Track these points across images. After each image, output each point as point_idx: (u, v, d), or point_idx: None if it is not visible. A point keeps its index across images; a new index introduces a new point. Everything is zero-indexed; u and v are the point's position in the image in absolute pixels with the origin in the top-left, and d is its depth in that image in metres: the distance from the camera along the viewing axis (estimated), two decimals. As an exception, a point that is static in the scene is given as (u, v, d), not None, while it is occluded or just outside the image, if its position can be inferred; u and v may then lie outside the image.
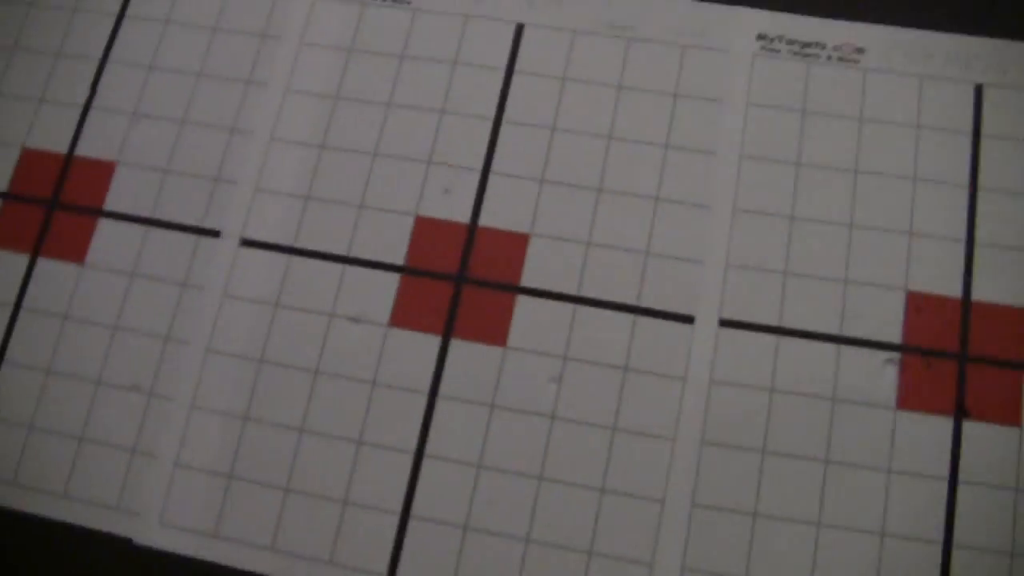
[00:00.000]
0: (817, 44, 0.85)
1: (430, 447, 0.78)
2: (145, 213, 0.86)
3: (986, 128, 0.82)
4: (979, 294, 0.79)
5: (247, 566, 0.77)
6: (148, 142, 0.88)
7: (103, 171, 0.88)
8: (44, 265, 0.87)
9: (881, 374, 0.77)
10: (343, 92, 0.87)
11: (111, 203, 0.87)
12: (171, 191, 0.86)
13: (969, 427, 0.76)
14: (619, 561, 0.76)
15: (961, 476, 0.76)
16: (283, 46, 0.89)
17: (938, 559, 0.75)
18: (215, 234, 0.84)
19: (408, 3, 0.89)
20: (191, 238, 0.84)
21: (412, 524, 0.77)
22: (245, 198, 0.84)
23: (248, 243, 0.83)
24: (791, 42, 0.85)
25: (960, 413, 0.76)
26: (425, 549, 0.77)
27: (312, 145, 0.85)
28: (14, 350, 0.85)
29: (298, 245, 0.83)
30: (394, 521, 0.77)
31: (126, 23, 0.92)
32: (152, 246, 0.85)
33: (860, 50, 0.84)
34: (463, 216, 0.82)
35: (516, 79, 0.86)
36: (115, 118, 0.89)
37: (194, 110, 0.88)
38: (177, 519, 0.79)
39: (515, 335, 0.79)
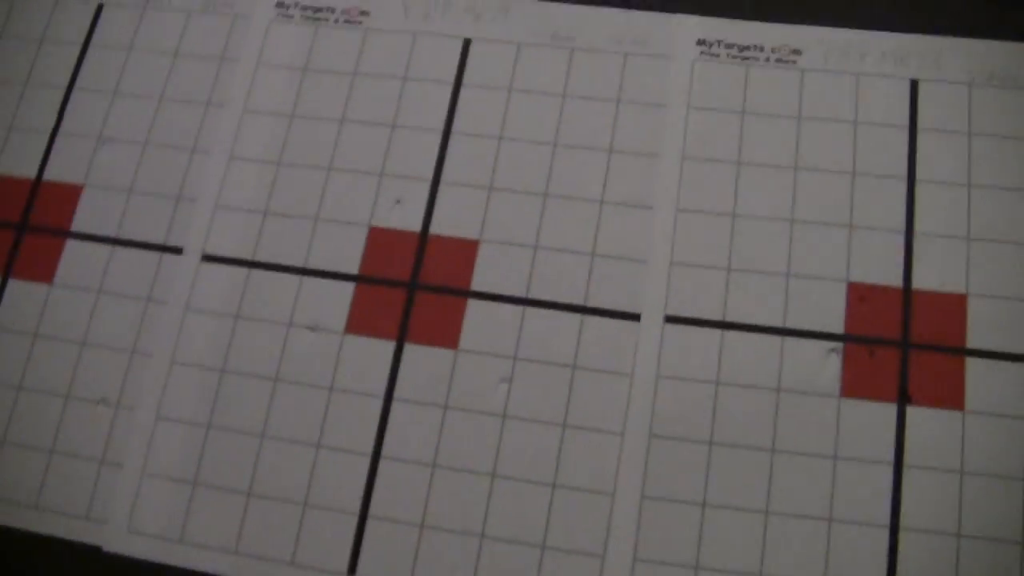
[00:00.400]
0: (755, 47, 0.87)
1: (386, 449, 0.80)
2: (111, 233, 0.88)
3: (922, 122, 0.84)
4: (919, 282, 0.80)
5: (212, 569, 0.79)
6: (113, 164, 0.90)
7: (70, 193, 0.91)
8: (14, 286, 0.90)
9: (825, 364, 0.79)
10: (298, 110, 0.89)
11: (78, 224, 0.90)
12: (135, 211, 0.89)
13: (913, 413, 0.78)
14: (571, 554, 0.77)
15: (906, 461, 0.77)
16: (240, 68, 0.92)
17: (886, 543, 0.76)
18: (178, 251, 0.86)
19: (360, 23, 0.92)
20: (155, 255, 0.87)
21: (370, 524, 0.79)
22: (206, 215, 0.87)
23: (209, 258, 0.86)
24: (730, 46, 0.87)
25: (903, 399, 0.78)
26: (383, 548, 0.79)
27: (269, 162, 0.88)
28: (-14, 369, 0.85)
29: (257, 258, 0.85)
30: (353, 521, 0.79)
31: (91, 51, 0.95)
32: (117, 264, 0.87)
33: (797, 51, 0.86)
34: (415, 225, 0.85)
35: (464, 92, 0.88)
36: (81, 142, 0.92)
37: (156, 132, 0.91)
38: (144, 526, 0.81)
39: (467, 338, 0.82)
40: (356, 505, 0.78)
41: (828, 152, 0.83)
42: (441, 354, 0.81)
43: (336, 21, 0.91)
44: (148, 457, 0.82)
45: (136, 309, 0.86)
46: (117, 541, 0.81)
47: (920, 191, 0.82)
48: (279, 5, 0.93)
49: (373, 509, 0.78)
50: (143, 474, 0.81)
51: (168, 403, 0.82)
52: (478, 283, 0.82)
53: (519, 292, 0.82)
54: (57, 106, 0.93)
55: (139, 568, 0.80)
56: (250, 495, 0.80)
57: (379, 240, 0.84)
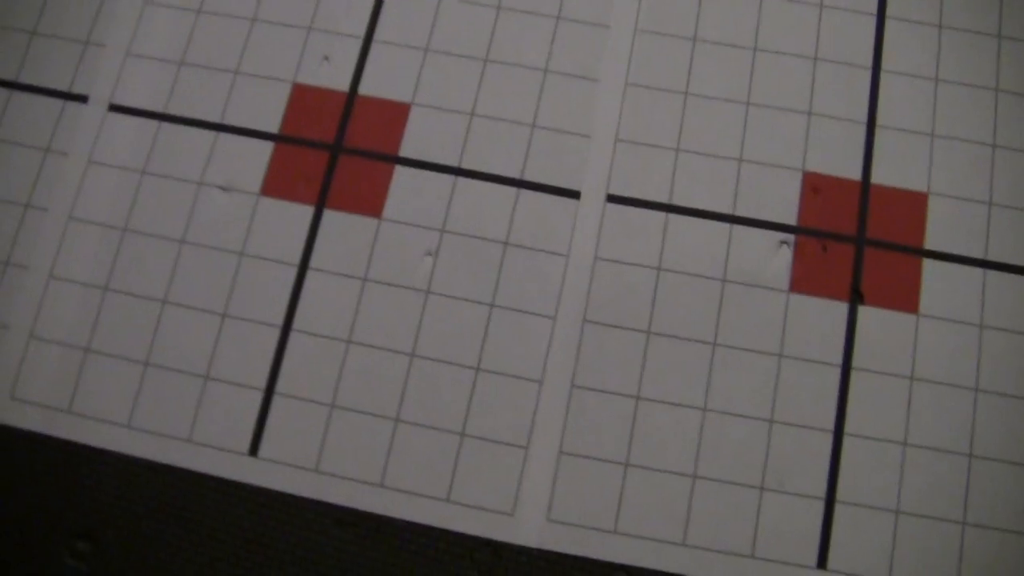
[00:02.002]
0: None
1: (298, 321, 0.74)
2: (9, 76, 0.80)
3: (891, 10, 0.79)
4: (879, 177, 0.76)
5: (101, 444, 0.73)
6: (15, 2, 0.81)
7: (-33, 33, 0.81)
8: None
9: (775, 256, 0.74)
10: (223, -44, 0.81)
11: (-27, 67, 0.80)
12: (37, 54, 0.81)
13: (864, 313, 0.73)
14: (493, 443, 0.72)
15: (855, 363, 0.73)
16: (162, -92, 0.83)
17: (829, 447, 0.72)
18: (83, 99, 0.79)
19: None
20: (57, 103, 0.80)
21: (276, 401, 0.72)
22: (115, 62, 0.80)
23: (117, 108, 0.79)
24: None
25: (856, 298, 0.73)
26: (289, 427, 0.73)
27: (187, 9, 0.81)
28: None
29: (169, 111, 0.79)
30: (257, 398, 0.73)
31: None
32: (15, 111, 0.80)
33: (764, -75, 0.80)
34: (342, 84, 0.78)
35: (404, -55, 0.80)
36: (-19, -21, 0.82)
37: (65, -29, 0.81)
38: (29, 394, 0.75)
39: (391, 207, 0.75)
40: (262, 380, 0.72)
41: (790, 34, 0.78)
42: (363, 222, 0.75)
43: None
44: (37, 319, 0.75)
45: (33, 160, 0.79)
46: (-2, 407, 0.72)
47: (885, 82, 0.77)
48: None
49: (280, 385, 0.72)
50: (30, 337, 0.74)
51: (63, 262, 0.75)
52: (407, 149, 0.76)
53: (451, 161, 0.75)
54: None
55: (22, 438, 0.72)
56: (147, 365, 0.73)
57: (303, 98, 0.77)
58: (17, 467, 0.71)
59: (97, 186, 0.77)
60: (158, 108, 0.78)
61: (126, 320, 0.74)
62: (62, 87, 0.79)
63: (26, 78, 0.80)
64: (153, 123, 0.78)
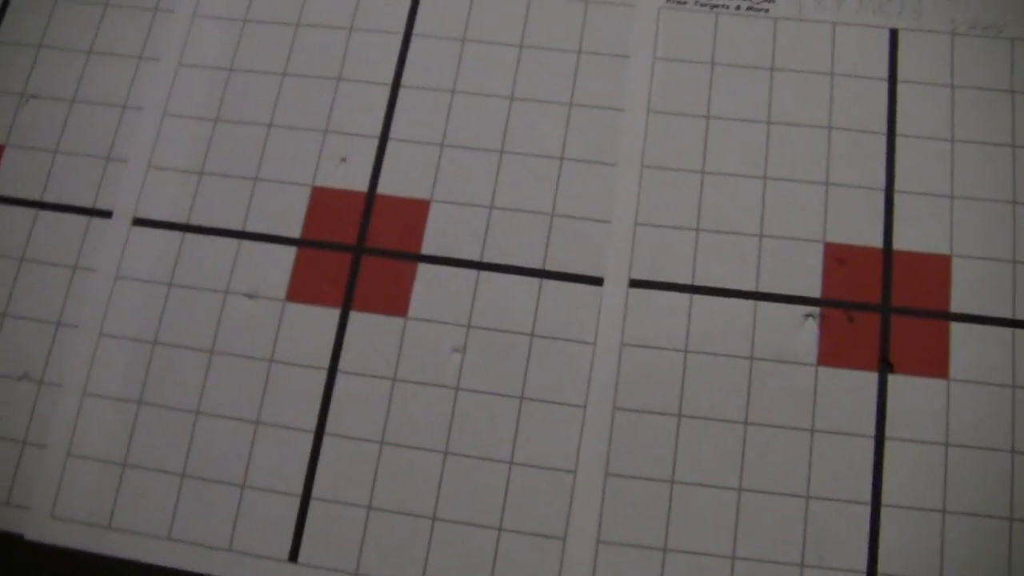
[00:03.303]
0: (725, -6, 0.81)
1: (331, 425, 0.74)
2: (35, 196, 0.81)
3: (902, 73, 0.79)
4: (900, 243, 0.75)
5: (143, 557, 0.74)
6: (37, 122, 0.84)
7: (-9, 155, 0.83)
8: (-71, 254, 0.81)
9: (801, 330, 0.74)
10: (236, 64, 0.83)
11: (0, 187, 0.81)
12: (61, 172, 0.82)
13: (895, 381, 0.73)
14: (530, 536, 0.72)
15: (888, 433, 0.73)
16: (175, 19, 0.86)
17: (867, 520, 0.72)
18: (107, 215, 0.80)
19: (303, -29, 0.85)
20: (82, 219, 0.81)
21: (314, 506, 0.73)
22: (137, 176, 0.81)
23: (141, 222, 0.80)
24: (698, -7, 0.81)
25: (885, 367, 0.73)
26: (328, 532, 0.73)
27: (205, 119, 0.82)
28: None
29: (192, 222, 0.80)
30: (295, 504, 0.73)
31: (13, 0, 0.87)
32: (42, 229, 0.81)
33: (769, -1, 0.80)
34: (361, 185, 0.79)
35: (414, 43, 0.83)
36: (3, 99, 0.85)
37: (84, 88, 0.84)
38: (70, 512, 0.75)
39: (416, 305, 0.76)
40: (298, 486, 0.73)
41: (803, 106, 0.78)
42: (389, 322, 0.75)
43: (278, -30, 0.84)
44: (74, 437, 0.75)
45: (62, 277, 0.79)
46: (40, 528, 0.75)
47: (901, 146, 0.77)
48: (216, -47, 0.86)
49: (317, 490, 0.73)
50: (68, 455, 0.75)
51: (96, 379, 0.76)
52: (429, 246, 0.76)
53: (473, 256, 0.76)
54: (-24, 61, 0.84)
55: (64, 557, 0.73)
56: (184, 477, 0.74)
57: (323, 201, 0.78)
58: (62, 584, 0.72)
59: (125, 300, 0.78)
60: (181, 219, 0.79)
61: (161, 433, 0.75)
62: (86, 203, 0.81)
63: (51, 196, 0.81)
64: (177, 234, 0.79)
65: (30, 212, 0.80)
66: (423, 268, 0.76)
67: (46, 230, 0.80)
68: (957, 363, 0.73)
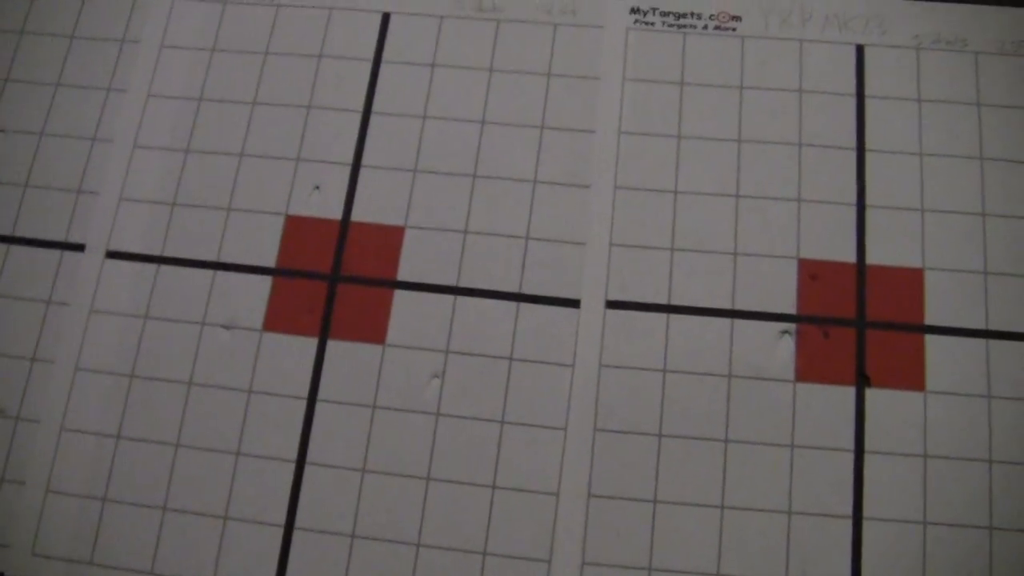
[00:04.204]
0: (692, 14, 0.82)
1: (312, 454, 0.74)
2: (5, 231, 0.81)
3: (870, 89, 0.79)
4: (874, 257, 0.76)
5: (125, 592, 0.71)
6: (6, 156, 0.83)
7: (-40, 191, 0.82)
8: (-100, 292, 0.80)
9: (777, 347, 0.74)
10: (206, 93, 0.83)
11: (-31, 223, 0.81)
12: (32, 206, 0.82)
13: (872, 395, 0.74)
14: (515, 560, 0.72)
15: (867, 446, 0.73)
16: (143, 50, 0.86)
17: (849, 534, 0.72)
18: (79, 248, 0.79)
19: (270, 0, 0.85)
20: (55, 253, 0.80)
21: (297, 536, 0.73)
22: (109, 209, 0.80)
23: (114, 255, 0.79)
24: (665, 14, 0.82)
25: (862, 381, 0.73)
26: (312, 561, 0.73)
27: (176, 150, 0.81)
28: None
29: (166, 253, 0.79)
30: (278, 534, 0.73)
31: (-22, 37, 0.87)
32: (14, 264, 0.80)
33: (736, 18, 0.82)
34: (335, 212, 0.79)
35: (384, 69, 0.82)
36: (-30, 135, 0.83)
37: (53, 121, 0.83)
38: (51, 548, 0.75)
39: (394, 332, 0.76)
40: (281, 516, 0.72)
41: (773, 123, 0.78)
42: (367, 350, 0.75)
43: (245, -2, 0.84)
44: (52, 473, 0.75)
45: (36, 312, 0.79)
46: (21, 566, 0.75)
47: (871, 161, 0.77)
48: (181, -18, 0.85)
49: (300, 520, 0.72)
50: (48, 491, 0.74)
51: (73, 413, 0.76)
52: (405, 272, 0.76)
53: (449, 281, 0.76)
54: (-58, 96, 0.83)
55: (46, 594, 0.71)
56: (165, 510, 0.73)
57: (297, 230, 0.78)
58: (44, 622, 0.71)
59: (101, 334, 0.77)
60: (155, 251, 0.79)
61: (141, 466, 0.75)
62: (58, 237, 0.80)
63: (22, 231, 0.80)
64: (151, 267, 0.79)
65: (1, 247, 0.79)
66: (399, 295, 0.76)
67: (18, 265, 0.80)
68: (933, 375, 0.73)
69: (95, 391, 0.76)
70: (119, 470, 0.74)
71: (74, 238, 0.80)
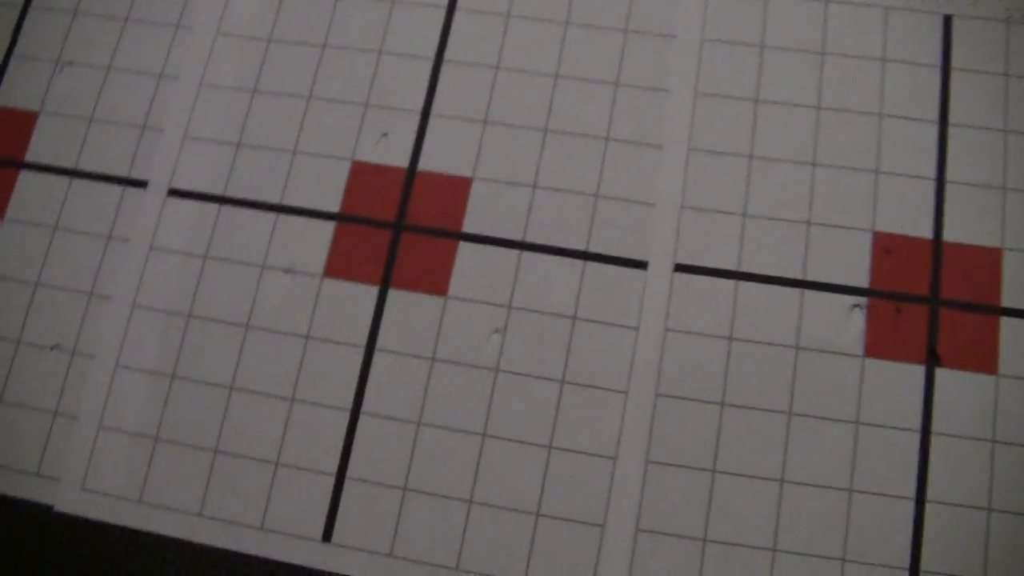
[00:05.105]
0: (777, -25, 0.79)
1: (367, 404, 0.73)
2: (68, 164, 0.80)
3: (956, 61, 0.77)
4: (951, 235, 0.74)
5: (173, 533, 0.73)
6: (71, 91, 0.83)
7: (24, 121, 0.84)
8: (-39, 220, 0.80)
9: (847, 320, 0.72)
10: (276, 35, 0.82)
11: (32, 154, 0.83)
12: (96, 141, 0.81)
13: (942, 375, 0.72)
14: (569, 523, 0.71)
15: (934, 427, 0.71)
16: (214, -13, 0.82)
17: (911, 516, 0.71)
18: (142, 184, 0.78)
19: (346, -60, 0.83)
20: (116, 189, 0.79)
21: (348, 486, 0.72)
22: (173, 146, 0.80)
23: (176, 193, 0.78)
24: (749, -27, 0.79)
25: (932, 360, 0.72)
26: (362, 513, 0.72)
27: (243, 90, 0.80)
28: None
29: (228, 194, 0.78)
30: (329, 483, 0.72)
31: (49, -33, 0.86)
32: (75, 198, 0.80)
33: (822, -20, 0.78)
34: (402, 160, 0.77)
35: (458, 16, 0.81)
36: (36, 66, 0.84)
37: (120, 56, 0.83)
38: (100, 484, 0.74)
39: (456, 284, 0.75)
40: (333, 465, 0.71)
41: (854, 92, 0.76)
42: (429, 301, 0.74)
43: (320, -61, 0.83)
44: (106, 409, 0.74)
45: (95, 247, 0.78)
46: (70, 500, 0.74)
47: (953, 136, 0.75)
48: (257, -79, 0.84)
49: (351, 470, 0.71)
50: (100, 427, 0.73)
51: (128, 351, 0.75)
52: (470, 225, 0.75)
53: (515, 236, 0.74)
54: (12, 26, 0.85)
55: (94, 529, 0.72)
56: (217, 452, 0.72)
57: (362, 176, 0.76)
58: (90, 559, 0.71)
59: (159, 272, 0.77)
60: (217, 191, 0.78)
61: (194, 408, 0.74)
62: (121, 173, 0.79)
63: (85, 165, 0.79)
64: (213, 207, 0.77)
65: (64, 180, 0.79)
66: (464, 247, 0.74)
67: (80, 199, 0.79)
68: (1006, 358, 0.72)
69: (151, 329, 0.76)
70: (172, 410, 0.74)
71: (137, 174, 0.79)
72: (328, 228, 0.76)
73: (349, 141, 0.78)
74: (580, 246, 0.74)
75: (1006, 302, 0.72)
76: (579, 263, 0.74)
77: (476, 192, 0.76)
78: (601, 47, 0.79)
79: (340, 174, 0.77)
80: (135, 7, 0.83)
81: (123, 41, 0.83)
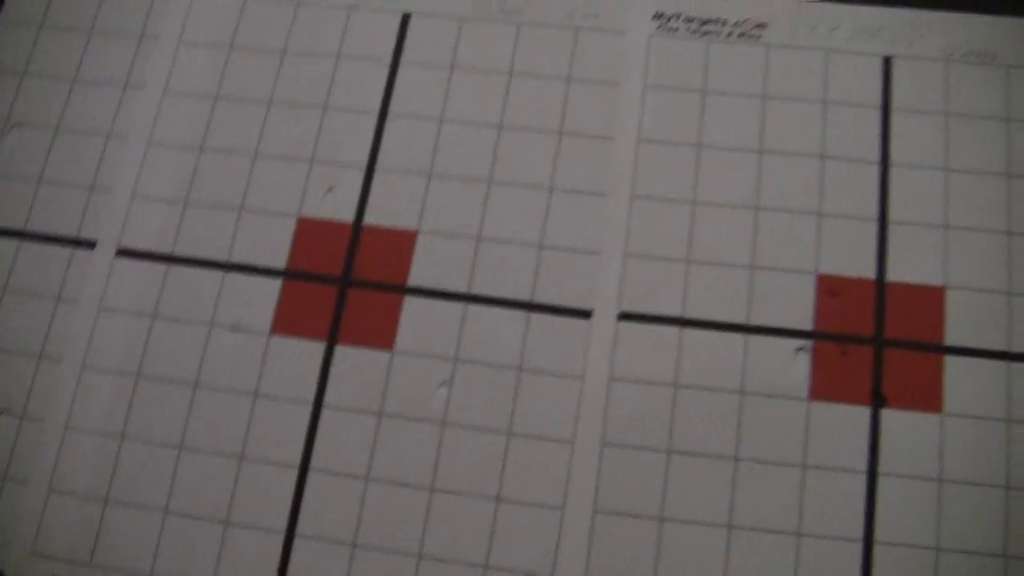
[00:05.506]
0: (717, 21, 0.81)
1: (315, 460, 0.73)
2: (17, 226, 0.81)
3: (896, 101, 0.78)
4: (894, 275, 0.75)
5: (125, 594, 0.71)
6: (21, 151, 0.83)
7: (-28, 184, 0.82)
8: (-90, 285, 0.80)
9: (793, 363, 0.72)
10: (223, 91, 0.82)
11: (-20, 217, 0.80)
12: (45, 202, 0.81)
13: (888, 416, 0.73)
14: (517, 574, 0.70)
15: (881, 468, 0.72)
16: (160, 46, 0.85)
17: (859, 558, 0.71)
18: (91, 245, 0.79)
19: (290, -3, 0.84)
20: (66, 250, 0.80)
21: (298, 543, 0.72)
22: (121, 206, 0.80)
23: (125, 252, 0.79)
24: (689, 20, 0.81)
25: (877, 401, 0.72)
26: (312, 569, 0.73)
27: (190, 148, 0.81)
28: None
29: (176, 253, 0.78)
30: (279, 541, 0.72)
31: (-3, 29, 0.86)
32: (25, 260, 0.80)
33: (761, 25, 0.80)
34: (347, 215, 0.78)
35: (402, 71, 0.81)
36: (-15, 128, 0.83)
37: (69, 116, 0.83)
38: (51, 548, 0.75)
39: (403, 338, 0.75)
40: (282, 522, 0.72)
41: (795, 134, 0.77)
42: (375, 356, 0.74)
43: (264, -7, 0.83)
44: (56, 472, 0.74)
45: (44, 309, 0.78)
46: (19, 565, 0.74)
47: (894, 176, 0.76)
48: (204, -23, 0.85)
49: (301, 527, 0.72)
50: (50, 490, 0.73)
51: (78, 412, 0.75)
52: (416, 278, 0.75)
53: (460, 287, 0.75)
54: (-40, 88, 0.83)
55: (45, 592, 0.71)
56: (167, 512, 0.73)
57: (309, 232, 0.77)
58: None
59: (109, 333, 0.77)
60: (166, 250, 0.78)
61: (144, 468, 0.75)
62: (70, 233, 0.79)
63: (34, 226, 0.80)
64: (162, 266, 0.78)
65: (12, 243, 0.79)
66: (409, 300, 0.75)
67: (29, 261, 0.79)
68: (951, 397, 0.72)
69: (101, 390, 0.76)
70: (122, 471, 0.74)
71: (86, 235, 0.79)
72: (275, 285, 0.76)
73: (295, 197, 0.78)
74: (525, 296, 0.74)
75: (950, 340, 0.72)
76: (524, 314, 0.74)
77: (421, 245, 0.76)
78: (544, 96, 0.79)
79: (286, 230, 0.77)
80: (84, 67, 0.84)
81: (71, 101, 0.83)
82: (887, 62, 0.78)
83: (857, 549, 0.69)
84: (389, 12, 0.84)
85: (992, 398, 0.72)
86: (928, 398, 0.72)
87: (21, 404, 0.76)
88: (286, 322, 0.76)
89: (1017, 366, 0.72)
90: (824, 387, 0.72)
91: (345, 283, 0.76)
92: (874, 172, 0.76)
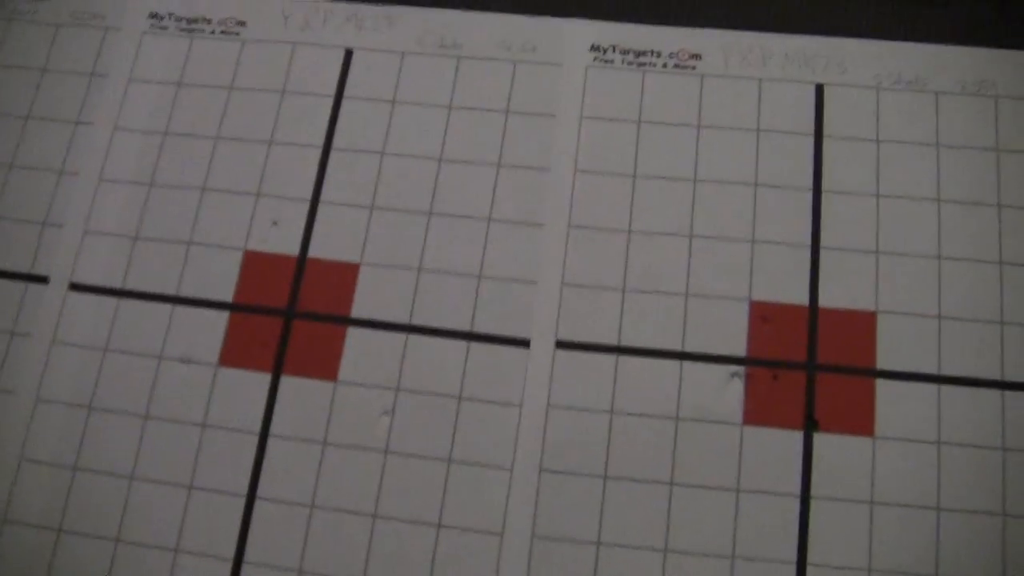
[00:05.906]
0: (652, 52, 0.82)
1: (262, 489, 0.75)
2: (-29, 263, 0.81)
3: (828, 128, 0.79)
4: (826, 300, 0.76)
5: (76, 622, 0.73)
6: (-27, 189, 0.83)
7: (-75, 221, 0.84)
8: None
9: (726, 389, 0.74)
10: (171, 127, 0.84)
11: (-65, 254, 0.82)
12: (-3, 238, 0.81)
13: (820, 440, 0.74)
14: (459, 599, 0.71)
15: (814, 491, 0.73)
16: (110, 83, 0.86)
17: (793, 579, 0.69)
18: (43, 280, 0.80)
19: (237, 34, 0.86)
20: (19, 285, 0.81)
21: (246, 570, 0.74)
22: (73, 241, 0.82)
23: (77, 287, 0.80)
24: (625, 51, 0.82)
25: (810, 426, 0.74)
26: (259, 596, 0.72)
27: (140, 183, 0.83)
28: None
29: (127, 287, 0.80)
30: (227, 568, 0.74)
31: (-49, 68, 0.88)
32: (-22, 296, 0.80)
33: (696, 56, 0.82)
34: (292, 248, 0.80)
35: (345, 105, 0.83)
36: (-61, 166, 0.84)
37: (21, 153, 0.85)
38: (5, 577, 0.74)
39: (346, 368, 0.77)
40: (231, 550, 0.74)
41: (729, 162, 0.79)
42: (319, 386, 0.76)
43: (212, 32, 0.86)
44: (11, 504, 0.76)
45: (-1, 343, 0.78)
46: (-26, 593, 0.73)
47: (826, 202, 0.77)
48: (152, 16, 0.87)
49: (249, 554, 0.74)
50: (3, 522, 0.74)
51: (32, 444, 0.78)
52: (359, 309, 0.77)
53: (402, 318, 0.77)
54: (-86, 126, 0.85)
55: (-1, 624, 0.73)
56: (118, 541, 0.75)
57: (254, 265, 0.79)
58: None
59: (62, 365, 0.79)
60: (116, 284, 0.80)
61: (95, 498, 0.76)
62: (23, 269, 0.81)
63: (-13, 262, 0.81)
64: (113, 300, 0.80)
65: (-34, 278, 0.80)
66: (353, 332, 0.77)
67: (-17, 296, 0.80)
68: (883, 420, 0.74)
69: (54, 422, 0.78)
70: (74, 501, 0.76)
71: (38, 270, 0.81)
72: (222, 317, 0.78)
73: (241, 231, 0.80)
74: (465, 327, 0.76)
75: (881, 364, 0.74)
76: (464, 343, 0.76)
77: (364, 277, 0.78)
78: (483, 129, 0.81)
79: (233, 264, 0.79)
80: (34, 105, 0.85)
81: (23, 138, 0.84)
82: (819, 90, 0.80)
83: (791, 572, 0.71)
84: (333, 47, 0.85)
85: (923, 421, 0.74)
86: (860, 422, 0.73)
87: (-25, 437, 0.77)
88: (233, 354, 0.78)
89: (947, 389, 0.73)
90: (757, 412, 0.74)
91: (290, 315, 0.78)
92: (806, 199, 0.77)
